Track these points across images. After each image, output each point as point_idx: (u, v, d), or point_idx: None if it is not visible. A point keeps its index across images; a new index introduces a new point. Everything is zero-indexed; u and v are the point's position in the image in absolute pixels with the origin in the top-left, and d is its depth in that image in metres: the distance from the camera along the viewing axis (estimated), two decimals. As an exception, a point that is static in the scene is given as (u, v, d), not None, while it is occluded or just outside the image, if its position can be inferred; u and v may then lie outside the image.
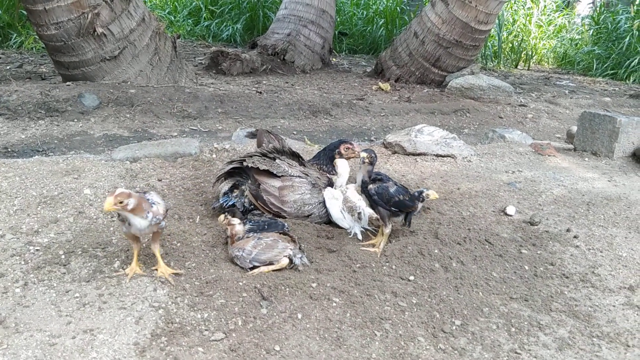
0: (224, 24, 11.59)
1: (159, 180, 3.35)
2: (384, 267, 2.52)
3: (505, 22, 12.18)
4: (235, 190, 2.94)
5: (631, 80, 10.54)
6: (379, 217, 2.72)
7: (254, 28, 11.47)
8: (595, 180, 3.92)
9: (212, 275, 2.32)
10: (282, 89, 7.04)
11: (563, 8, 14.24)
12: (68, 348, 1.82)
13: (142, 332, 1.94)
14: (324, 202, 2.98)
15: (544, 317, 2.25)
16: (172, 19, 11.75)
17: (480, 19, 7.45)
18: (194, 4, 11.97)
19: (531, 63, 12.62)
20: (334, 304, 2.19)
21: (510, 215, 3.20)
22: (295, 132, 5.27)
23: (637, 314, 2.31)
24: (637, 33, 10.73)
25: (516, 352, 2.02)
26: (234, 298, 2.17)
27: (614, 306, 2.37)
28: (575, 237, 2.96)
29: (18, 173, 3.20)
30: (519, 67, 12.31)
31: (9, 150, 4.10)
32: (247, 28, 11.58)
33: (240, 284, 2.26)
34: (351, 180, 3.25)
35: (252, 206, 2.93)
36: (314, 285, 2.30)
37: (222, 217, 2.58)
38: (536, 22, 12.81)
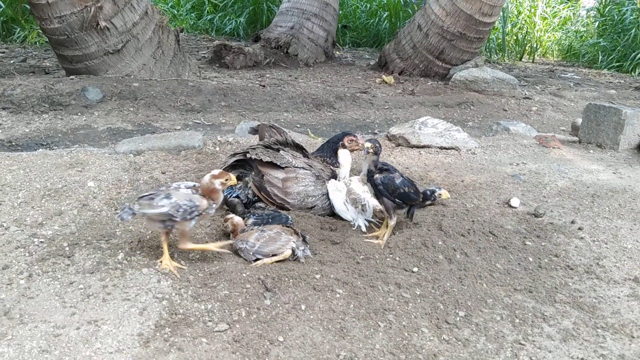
0: (227, 17, 11.56)
1: (163, 173, 3.35)
2: (388, 259, 2.52)
3: (510, 14, 12.11)
4: (239, 182, 2.94)
5: (637, 73, 10.47)
6: (383, 208, 2.71)
7: (257, 21, 11.44)
8: (600, 172, 3.90)
9: (215, 266, 2.33)
10: (286, 82, 7.03)
11: (568, 0, 14.13)
12: (72, 339, 1.83)
13: (146, 323, 1.94)
14: (327, 193, 2.97)
15: (548, 308, 2.24)
16: (175, 12, 11.73)
17: (484, 11, 7.40)
18: (197, -3, 11.96)
19: (536, 55, 12.55)
20: (338, 295, 2.19)
21: (515, 207, 3.19)
22: (298, 125, 5.26)
23: (642, 306, 2.30)
24: (643, 25, 10.65)
25: (520, 343, 2.01)
26: (237, 289, 2.17)
27: (618, 297, 2.36)
28: (579, 228, 2.94)
29: (22, 166, 3.21)
30: (523, 59, 12.24)
31: (14, 143, 4.11)
32: (250, 21, 11.55)
33: (244, 275, 2.26)
34: (355, 172, 3.24)
35: (256, 198, 2.92)
36: (317, 276, 2.29)
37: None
38: (541, 14, 12.72)
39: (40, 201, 2.82)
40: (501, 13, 10.07)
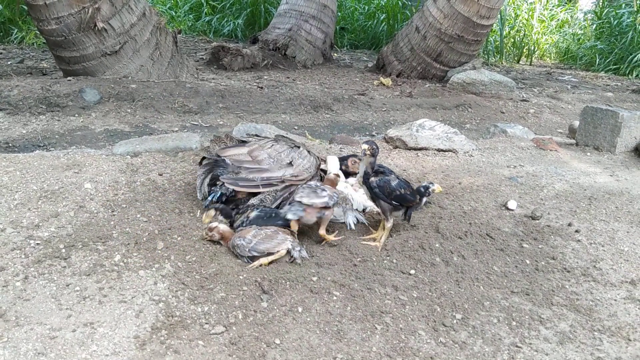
0: (225, 19, 11.57)
1: (160, 175, 3.34)
2: (385, 261, 2.51)
3: (508, 17, 12.14)
4: (217, 183, 2.91)
5: (634, 75, 10.50)
6: (380, 211, 2.71)
7: (255, 23, 11.45)
8: (597, 175, 3.90)
9: (212, 269, 2.32)
10: (284, 84, 7.03)
11: (565, 3, 14.18)
12: (68, 341, 1.83)
13: (142, 325, 1.94)
14: (309, 157, 2.93)
15: (545, 311, 2.25)
16: (173, 14, 11.73)
17: (482, 13, 7.42)
18: (194, -1, 11.96)
19: (533, 58, 12.58)
20: (335, 298, 2.19)
21: (512, 210, 3.19)
22: (296, 127, 5.26)
23: (638, 308, 2.30)
24: (639, 28, 10.69)
25: (517, 346, 2.01)
26: (234, 292, 2.17)
27: (615, 300, 2.36)
28: (576, 231, 2.95)
29: (19, 168, 3.20)
30: (521, 62, 12.27)
31: (10, 145, 4.10)
32: (248, 23, 11.55)
33: (241, 277, 2.26)
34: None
35: (232, 193, 2.86)
36: (314, 279, 2.29)
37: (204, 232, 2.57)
38: (538, 16, 12.76)
39: (36, 203, 2.81)
40: (499, 15, 10.09)
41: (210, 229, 2.55)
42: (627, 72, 10.71)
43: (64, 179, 3.10)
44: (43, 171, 3.19)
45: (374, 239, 2.71)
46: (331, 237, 2.63)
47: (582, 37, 12.97)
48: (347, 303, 2.17)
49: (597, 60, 11.48)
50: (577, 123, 4.90)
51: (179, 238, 2.57)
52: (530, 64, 12.13)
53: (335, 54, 10.24)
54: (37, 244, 2.41)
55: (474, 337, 2.05)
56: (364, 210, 3.03)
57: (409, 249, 2.60)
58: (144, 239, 2.53)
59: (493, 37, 11.52)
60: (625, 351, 2.03)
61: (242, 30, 11.34)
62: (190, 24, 11.67)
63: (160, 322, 1.96)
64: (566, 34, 13.31)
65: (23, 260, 2.28)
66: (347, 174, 3.28)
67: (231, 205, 2.84)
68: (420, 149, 4.26)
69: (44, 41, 6.41)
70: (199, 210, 2.91)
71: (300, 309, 2.10)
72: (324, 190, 2.65)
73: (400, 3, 11.57)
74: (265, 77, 7.61)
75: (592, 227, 3.01)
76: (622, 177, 3.88)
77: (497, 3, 7.45)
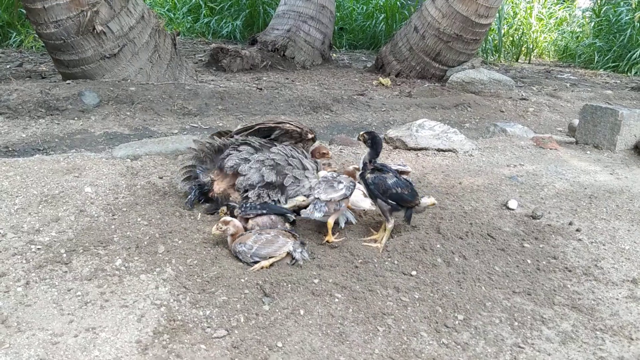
0: (224, 20, 11.57)
1: (160, 178, 3.34)
2: (386, 263, 2.51)
3: (506, 16, 12.14)
4: (192, 180, 3.03)
5: (633, 73, 10.50)
6: (380, 211, 2.71)
7: (254, 24, 11.45)
8: (598, 173, 3.90)
9: (213, 272, 2.32)
10: (283, 85, 7.03)
11: (564, 0, 14.18)
12: (70, 347, 1.82)
13: (144, 330, 1.94)
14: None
15: (547, 311, 2.24)
16: (172, 16, 11.73)
17: (480, 12, 7.42)
18: (193, 1, 11.95)
19: (532, 56, 12.58)
20: (336, 300, 2.19)
21: (513, 209, 3.19)
22: (296, 128, 5.25)
23: (640, 307, 2.30)
24: (638, 25, 10.68)
25: (519, 347, 2.01)
26: (236, 295, 2.17)
27: (617, 299, 2.36)
28: (577, 230, 2.95)
29: (19, 172, 3.20)
30: (519, 60, 12.26)
31: (10, 149, 4.10)
32: (247, 24, 11.56)
33: (242, 280, 2.26)
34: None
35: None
36: (316, 281, 2.29)
37: (214, 228, 2.57)
38: (537, 15, 12.76)
39: (37, 207, 2.81)
40: (497, 14, 10.09)
41: (225, 222, 2.53)
42: (626, 69, 10.71)
43: (64, 183, 3.10)
44: (43, 175, 3.19)
45: (375, 240, 2.71)
46: (332, 238, 2.63)
47: (580, 35, 12.98)
48: (348, 305, 2.17)
49: (596, 57, 11.48)
50: (576, 121, 4.90)
51: (180, 241, 2.57)
52: (529, 63, 12.13)
53: (334, 55, 10.24)
54: (38, 248, 2.41)
55: (476, 338, 2.05)
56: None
57: (410, 250, 2.60)
58: (145, 242, 2.53)
59: (492, 36, 11.52)
60: (628, 350, 2.03)
61: (240, 31, 11.34)
62: (188, 26, 11.67)
63: (162, 327, 1.96)
64: (564, 32, 13.31)
65: (24, 265, 2.28)
66: None
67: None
68: (420, 149, 4.26)
69: (43, 45, 6.41)
70: (199, 214, 2.92)
71: (302, 312, 2.10)
72: (340, 182, 2.68)
73: (398, 3, 11.57)
74: (265, 78, 7.61)
75: (593, 226, 3.01)
76: (622, 175, 3.88)
77: (496, 2, 7.45)
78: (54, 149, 4.15)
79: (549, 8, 13.37)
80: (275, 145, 3.01)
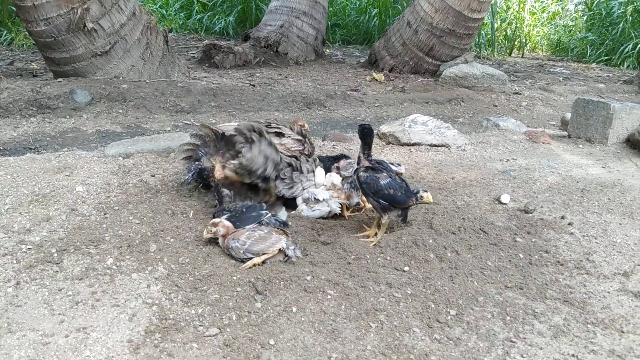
0: (216, 17, 11.52)
1: (152, 176, 3.33)
2: (379, 259, 2.51)
3: (499, 10, 12.14)
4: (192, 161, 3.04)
5: (625, 66, 10.54)
6: (373, 208, 2.71)
7: (247, 20, 11.40)
8: (590, 167, 3.92)
9: (205, 270, 2.31)
10: (276, 81, 7.01)
11: (556, -6, 14.19)
12: (61, 347, 1.81)
13: (135, 329, 1.93)
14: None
15: (538, 305, 2.25)
16: (164, 12, 11.66)
17: (473, 7, 7.42)
18: (185, -3, 11.90)
19: (525, 51, 12.60)
20: (329, 297, 2.19)
21: (505, 204, 3.20)
22: (289, 125, 5.24)
23: (631, 300, 2.32)
24: (630, 19, 10.71)
25: (511, 341, 2.02)
26: (228, 293, 2.16)
27: (608, 292, 2.37)
28: (569, 224, 2.96)
29: (9, 171, 3.17)
30: (512, 54, 12.28)
31: (1, 148, 4.07)
32: (239, 21, 11.51)
33: (234, 278, 2.25)
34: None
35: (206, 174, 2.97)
36: (308, 278, 2.29)
37: (204, 232, 2.56)
38: (530, 9, 12.78)
39: (28, 207, 2.79)
40: (490, 8, 10.09)
41: (215, 224, 2.52)
42: (619, 63, 10.74)
43: (56, 182, 3.08)
44: (34, 174, 3.17)
45: (368, 236, 2.71)
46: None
47: (573, 29, 13.00)
48: (341, 302, 2.17)
49: (589, 51, 11.51)
50: (569, 115, 4.91)
51: (172, 240, 2.56)
52: (522, 57, 12.15)
53: (327, 50, 10.21)
54: (29, 248, 2.40)
55: (468, 332, 2.05)
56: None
57: (402, 245, 2.60)
58: (137, 241, 2.52)
59: (485, 30, 11.53)
60: (619, 343, 2.04)
61: (233, 27, 11.30)
62: (181, 23, 11.61)
63: (154, 326, 1.95)
64: (557, 26, 13.33)
65: (14, 265, 2.26)
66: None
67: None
68: (413, 145, 4.26)
69: (34, 42, 6.36)
70: (191, 212, 2.91)
71: (294, 309, 2.09)
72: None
73: (391, -2, 11.56)
74: (258, 74, 7.58)
75: (584, 220, 3.02)
76: (614, 169, 3.89)
77: (488, -4, 7.45)
78: (46, 148, 4.12)
79: (541, 2, 13.39)
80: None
